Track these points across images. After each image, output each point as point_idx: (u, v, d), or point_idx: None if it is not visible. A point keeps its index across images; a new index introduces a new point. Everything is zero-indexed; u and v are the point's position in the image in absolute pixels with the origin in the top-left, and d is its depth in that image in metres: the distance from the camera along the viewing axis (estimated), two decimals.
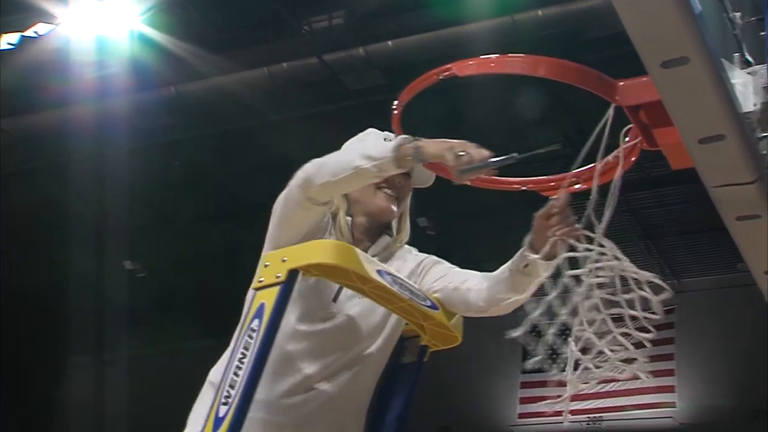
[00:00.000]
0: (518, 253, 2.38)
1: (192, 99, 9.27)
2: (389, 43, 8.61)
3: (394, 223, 2.63)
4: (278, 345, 2.35)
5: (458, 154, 2.21)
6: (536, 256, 2.28)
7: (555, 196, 2.27)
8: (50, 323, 12.20)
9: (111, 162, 9.61)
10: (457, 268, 2.58)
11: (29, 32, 8.81)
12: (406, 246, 2.65)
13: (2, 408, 12.51)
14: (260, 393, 2.28)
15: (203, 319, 12.29)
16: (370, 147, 2.34)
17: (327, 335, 2.43)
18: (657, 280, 2.19)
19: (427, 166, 2.39)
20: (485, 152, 2.23)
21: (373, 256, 2.51)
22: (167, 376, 13.30)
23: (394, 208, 2.57)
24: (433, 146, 2.26)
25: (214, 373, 2.48)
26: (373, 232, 2.57)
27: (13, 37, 8.86)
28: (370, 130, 2.68)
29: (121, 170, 9.65)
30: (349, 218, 2.56)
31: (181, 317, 12.68)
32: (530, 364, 2.18)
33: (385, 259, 2.55)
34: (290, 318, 2.40)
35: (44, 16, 8.56)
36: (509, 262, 2.42)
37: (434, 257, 2.64)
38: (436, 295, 2.46)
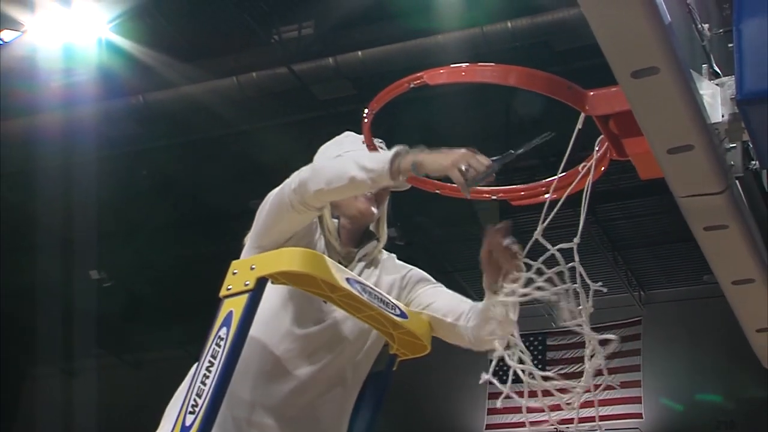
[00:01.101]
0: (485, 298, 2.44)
1: (160, 108, 9.22)
2: (359, 53, 8.62)
3: (373, 227, 2.62)
4: (272, 347, 2.36)
5: (463, 169, 2.19)
6: (498, 298, 2.35)
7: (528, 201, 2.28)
8: (15, 332, 12.07)
9: (78, 170, 9.53)
10: (447, 291, 2.58)
11: None
12: (386, 253, 2.64)
13: None
14: (252, 395, 2.27)
15: (170, 328, 12.20)
16: (365, 157, 2.31)
17: (318, 337, 2.41)
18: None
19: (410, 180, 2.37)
20: (486, 160, 2.22)
21: (361, 259, 2.52)
22: (134, 384, 13.19)
23: (374, 210, 2.56)
24: (433, 162, 2.23)
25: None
26: (354, 234, 2.57)
27: None
28: (348, 133, 2.66)
29: (88, 179, 9.58)
30: (335, 220, 2.55)
31: (147, 326, 12.57)
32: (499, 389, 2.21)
33: (370, 265, 2.56)
34: (285, 320, 2.40)
35: (10, 23, 8.48)
36: (484, 301, 2.48)
37: (418, 271, 2.63)
38: (427, 318, 2.47)
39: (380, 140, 2.60)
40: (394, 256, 2.67)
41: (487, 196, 2.34)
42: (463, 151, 2.24)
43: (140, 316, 12.44)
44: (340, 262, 2.36)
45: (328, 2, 8.60)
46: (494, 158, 2.23)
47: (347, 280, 2.20)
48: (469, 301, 2.53)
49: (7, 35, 8.66)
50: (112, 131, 9.41)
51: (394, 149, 2.26)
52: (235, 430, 2.29)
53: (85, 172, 9.56)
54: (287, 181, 2.38)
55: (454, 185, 2.21)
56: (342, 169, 2.30)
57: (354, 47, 8.65)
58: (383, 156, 2.26)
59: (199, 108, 9.08)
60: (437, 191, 2.32)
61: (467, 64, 2.14)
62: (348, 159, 2.35)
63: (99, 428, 12.16)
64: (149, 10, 8.48)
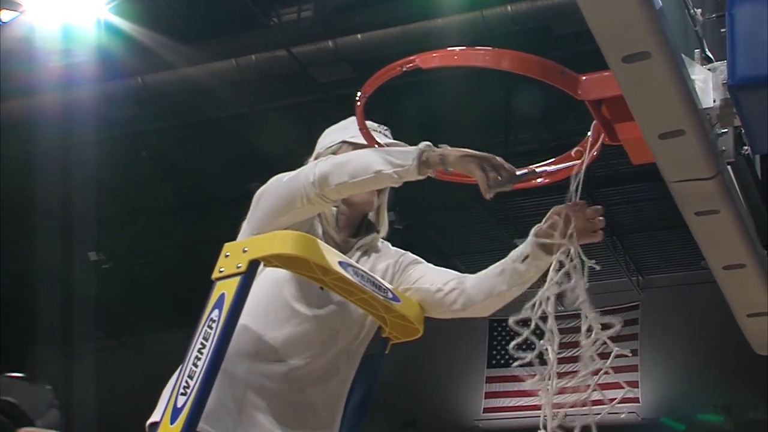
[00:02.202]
0: (519, 246, 2.53)
1: (159, 89, 9.20)
2: (358, 36, 8.60)
3: (373, 216, 2.63)
4: (269, 331, 2.38)
5: (488, 170, 2.23)
6: (551, 240, 2.42)
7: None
8: (15, 316, 12.08)
9: (77, 152, 9.53)
10: (436, 267, 2.61)
11: None
12: (382, 241, 2.66)
13: None
14: (247, 376, 2.32)
15: (169, 310, 12.22)
16: (392, 151, 2.32)
17: (314, 323, 2.42)
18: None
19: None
20: (510, 167, 2.25)
21: (360, 247, 2.53)
22: (134, 367, 13.23)
23: (375, 199, 2.57)
24: (459, 159, 2.26)
25: None
26: (352, 222, 2.57)
27: None
28: (353, 117, 2.65)
29: (87, 160, 9.58)
30: (334, 208, 2.55)
31: (146, 309, 12.60)
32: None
33: (367, 253, 2.57)
34: (283, 292, 2.41)
35: (9, 3, 8.45)
36: (505, 260, 2.56)
37: (412, 255, 2.65)
38: (414, 296, 2.48)
39: (385, 127, 2.61)
40: (388, 243, 2.68)
41: None
42: (489, 155, 2.28)
43: (140, 299, 12.47)
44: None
45: None
46: (519, 172, 2.26)
47: (340, 263, 2.21)
48: (457, 272, 2.56)
49: (5, 15, 8.63)
50: (112, 113, 9.41)
51: (422, 145, 2.28)
52: (230, 411, 2.30)
53: (85, 154, 9.55)
54: (303, 172, 2.37)
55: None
56: (368, 163, 2.30)
57: (354, 30, 8.63)
58: (410, 151, 2.28)
59: (198, 90, 9.07)
60: (433, 175, 2.32)
61: (461, 48, 2.14)
62: (371, 153, 2.35)
63: (99, 411, 12.19)
64: None
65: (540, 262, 2.50)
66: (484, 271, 2.58)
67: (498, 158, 2.27)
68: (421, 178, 2.31)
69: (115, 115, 9.48)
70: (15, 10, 8.52)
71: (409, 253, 2.65)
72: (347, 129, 2.64)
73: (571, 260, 2.33)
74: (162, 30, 8.68)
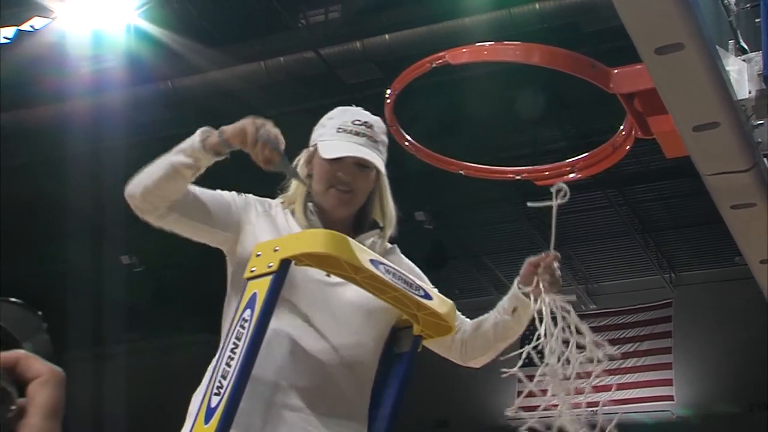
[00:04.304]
0: (505, 298, 2.58)
1: (188, 93, 9.24)
2: (386, 36, 8.60)
3: (379, 217, 2.62)
4: (289, 330, 2.38)
5: (256, 130, 2.36)
6: (528, 289, 2.48)
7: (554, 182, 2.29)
8: (47, 318, 12.18)
9: (107, 156, 9.59)
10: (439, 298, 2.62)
11: (25, 26, 8.78)
12: (389, 244, 2.63)
13: None
14: (276, 376, 2.29)
15: (199, 312, 12.27)
16: (183, 143, 2.45)
17: (332, 312, 2.43)
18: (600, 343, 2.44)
19: (421, 155, 2.37)
20: (274, 130, 2.38)
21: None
22: (164, 369, 13.30)
23: (346, 203, 2.54)
24: (233, 128, 2.41)
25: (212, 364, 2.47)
26: (343, 225, 2.53)
27: (9, 31, 8.83)
28: (337, 110, 2.66)
29: (117, 164, 9.62)
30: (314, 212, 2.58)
31: (177, 311, 12.67)
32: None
33: (376, 251, 2.53)
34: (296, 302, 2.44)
35: (41, 10, 8.53)
36: (493, 312, 2.61)
37: (419, 272, 2.62)
38: None
39: (367, 123, 2.59)
40: (396, 246, 2.66)
41: (511, 176, 2.32)
42: (255, 120, 2.43)
43: (171, 301, 12.53)
44: None
45: None
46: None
47: (371, 261, 2.19)
48: (457, 312, 2.55)
49: (37, 22, 8.72)
50: (141, 117, 9.46)
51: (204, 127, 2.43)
52: (261, 412, 2.29)
53: (115, 158, 9.61)
54: None
55: (476, 165, 2.21)
56: (159, 162, 2.43)
57: (381, 31, 8.63)
58: (193, 136, 2.42)
59: (226, 93, 9.09)
60: (461, 171, 2.31)
61: (490, 43, 2.12)
62: (168, 153, 2.47)
63: (129, 412, 12.28)
64: None
65: (525, 313, 2.56)
66: (478, 321, 2.64)
67: (263, 122, 2.39)
68: (214, 157, 2.43)
69: (145, 119, 9.53)
70: (47, 17, 8.60)
71: (417, 270, 2.62)
72: (323, 127, 2.63)
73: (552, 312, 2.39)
74: (190, 34, 8.72)
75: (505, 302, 2.59)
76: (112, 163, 9.72)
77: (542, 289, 2.45)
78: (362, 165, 2.53)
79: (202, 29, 8.80)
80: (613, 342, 13.39)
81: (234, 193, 2.61)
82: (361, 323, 2.46)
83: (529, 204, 2.52)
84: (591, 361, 2.42)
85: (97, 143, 9.61)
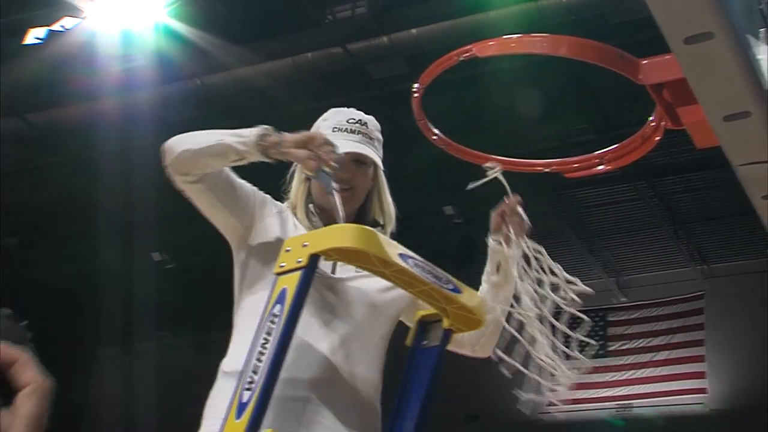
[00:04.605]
0: (487, 262, 2.62)
1: (217, 91, 9.28)
2: (413, 31, 8.58)
3: (379, 216, 2.65)
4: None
5: (314, 152, 2.32)
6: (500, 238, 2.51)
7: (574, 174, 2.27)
8: (78, 316, 12.30)
9: (137, 154, 9.65)
10: None
11: (56, 26, 8.86)
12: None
13: None
14: (287, 372, 2.30)
15: (231, 309, 12.35)
16: (242, 130, 2.42)
17: (337, 307, 2.47)
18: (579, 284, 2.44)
19: (449, 149, 2.37)
20: (329, 145, 2.34)
21: None
22: (195, 366, 13.37)
23: (346, 201, 2.53)
24: (292, 142, 2.36)
25: (227, 363, 2.50)
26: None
27: (40, 32, 8.91)
28: (332, 110, 2.70)
29: (147, 162, 9.68)
30: (312, 209, 2.62)
31: (208, 307, 12.73)
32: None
33: None
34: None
35: (71, 10, 8.60)
36: (482, 285, 2.63)
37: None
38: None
39: (361, 121, 2.63)
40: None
41: (540, 169, 2.31)
42: (312, 134, 2.40)
43: (202, 298, 12.60)
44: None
45: None
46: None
47: (400, 255, 2.19)
48: None
49: (68, 22, 8.79)
50: (170, 115, 9.51)
51: (264, 126, 2.39)
52: (277, 409, 2.30)
53: (145, 156, 9.67)
54: None
55: (504, 158, 2.20)
56: (212, 133, 2.42)
57: (408, 25, 8.62)
58: (253, 129, 2.39)
59: (254, 90, 9.13)
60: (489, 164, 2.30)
61: (518, 35, 2.11)
62: (222, 130, 2.45)
63: (160, 409, 12.36)
64: None
65: (509, 265, 2.57)
66: None
67: (321, 137, 2.35)
68: (261, 157, 2.39)
69: (174, 117, 9.58)
70: (77, 17, 8.67)
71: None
72: (318, 128, 2.66)
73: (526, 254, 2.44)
74: (218, 32, 8.76)
75: (487, 266, 2.62)
76: (142, 161, 9.80)
77: (511, 233, 2.48)
78: (360, 161, 2.58)
79: (230, 27, 8.84)
80: (644, 335, 13.39)
81: (255, 188, 2.63)
82: (366, 317, 2.50)
83: (469, 187, 2.57)
84: (564, 299, 2.42)
85: (127, 142, 9.67)
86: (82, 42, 8.79)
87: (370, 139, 2.62)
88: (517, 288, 2.45)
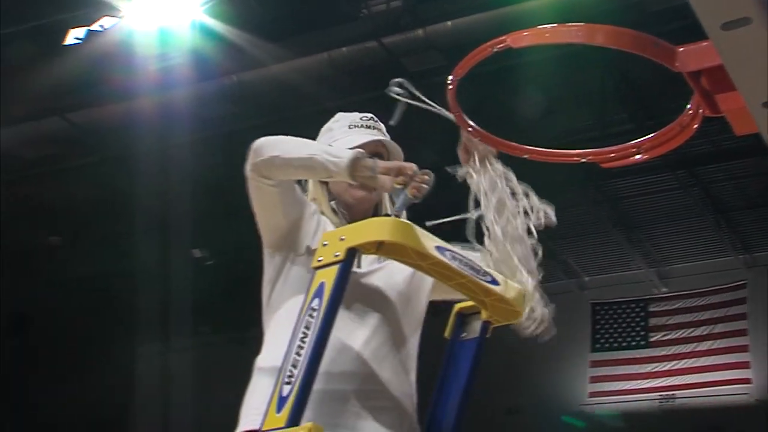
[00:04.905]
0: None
1: (253, 88, 9.32)
2: (448, 23, 8.56)
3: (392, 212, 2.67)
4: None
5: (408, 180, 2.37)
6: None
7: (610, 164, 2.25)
8: (119, 313, 12.44)
9: (175, 151, 9.73)
10: None
11: (95, 26, 8.95)
12: None
13: (73, 396, 12.81)
14: (325, 366, 2.32)
15: None
16: (333, 147, 2.48)
17: (368, 299, 2.48)
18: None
19: (488, 141, 2.37)
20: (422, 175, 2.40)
21: None
22: (234, 362, 13.45)
23: (370, 195, 2.63)
24: (386, 165, 2.42)
25: (263, 359, 2.51)
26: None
27: (80, 32, 9.01)
28: (338, 116, 2.74)
29: (185, 159, 9.77)
30: (333, 206, 2.65)
31: (249, 303, 12.81)
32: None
33: None
34: None
35: (110, 10, 8.68)
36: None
37: None
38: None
39: (369, 116, 2.72)
40: None
41: (576, 159, 2.29)
42: (404, 164, 2.44)
43: (243, 294, 12.67)
44: None
45: None
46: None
47: (437, 248, 2.20)
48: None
49: (106, 22, 8.88)
50: (207, 112, 9.57)
51: (358, 150, 2.43)
52: (317, 403, 2.31)
53: (183, 153, 9.75)
54: None
55: (540, 149, 2.19)
56: (306, 146, 2.44)
57: (443, 17, 8.59)
58: (351, 151, 2.42)
59: (290, 86, 9.15)
60: (525, 156, 2.28)
61: (552, 25, 2.10)
62: (313, 142, 2.51)
63: (201, 404, 12.46)
64: None
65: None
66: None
67: (413, 166, 2.40)
68: (348, 180, 2.41)
69: (211, 114, 9.65)
70: (115, 17, 8.75)
71: None
72: (331, 131, 2.72)
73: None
74: (254, 29, 8.79)
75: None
76: (181, 157, 9.89)
77: (476, 161, 2.50)
78: (380, 154, 2.63)
79: (265, 23, 8.87)
80: (686, 325, 13.25)
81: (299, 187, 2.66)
82: (397, 306, 2.52)
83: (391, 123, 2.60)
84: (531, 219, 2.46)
85: (165, 139, 9.75)
86: (119, 41, 8.88)
87: (384, 133, 2.71)
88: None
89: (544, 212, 2.51)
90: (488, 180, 2.49)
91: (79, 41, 9.04)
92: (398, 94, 2.53)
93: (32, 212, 11.39)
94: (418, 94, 2.53)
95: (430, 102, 2.53)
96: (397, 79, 2.55)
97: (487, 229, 2.47)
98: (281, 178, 2.49)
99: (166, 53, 9.08)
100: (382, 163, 2.42)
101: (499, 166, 2.49)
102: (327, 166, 2.39)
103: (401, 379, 2.50)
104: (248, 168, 2.49)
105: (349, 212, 2.63)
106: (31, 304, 12.93)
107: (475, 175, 2.50)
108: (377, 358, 2.45)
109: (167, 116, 9.37)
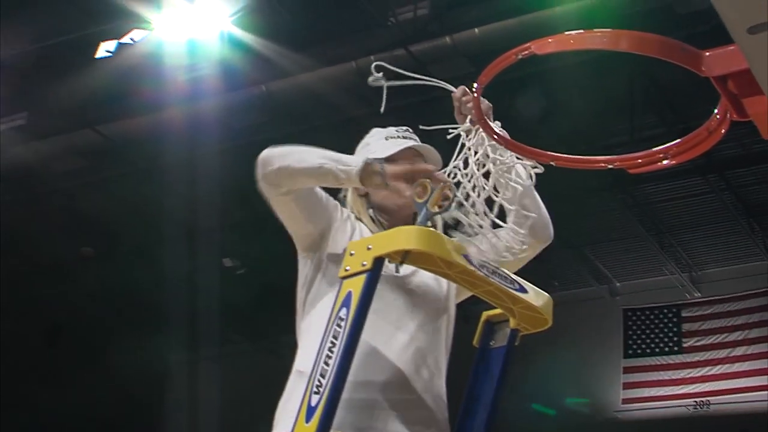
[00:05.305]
0: None
1: (282, 97, 9.36)
2: (475, 30, 8.55)
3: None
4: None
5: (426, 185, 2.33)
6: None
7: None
8: (152, 321, 12.52)
9: (205, 161, 9.79)
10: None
11: (126, 39, 9.03)
12: None
13: (104, 404, 12.91)
14: (354, 375, 2.32)
15: None
16: (342, 155, 2.48)
17: (403, 305, 2.50)
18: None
19: (512, 148, 2.35)
20: (441, 177, 2.36)
21: None
22: (267, 370, 13.49)
23: (410, 201, 2.56)
24: (393, 174, 2.41)
25: (300, 362, 2.52)
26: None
27: (111, 45, 9.09)
28: (373, 131, 2.76)
29: (215, 168, 9.82)
30: (371, 213, 2.67)
31: (280, 312, 12.84)
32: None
33: None
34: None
35: (139, 22, 8.76)
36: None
37: None
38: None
39: (405, 128, 2.68)
40: None
41: (603, 165, 2.28)
42: (422, 167, 2.46)
43: (274, 302, 12.71)
44: None
45: None
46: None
47: (464, 256, 2.19)
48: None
49: (136, 34, 8.96)
50: (237, 122, 9.62)
51: (368, 157, 2.44)
52: (346, 412, 2.31)
53: (212, 163, 9.80)
54: None
55: (567, 156, 2.18)
56: (314, 155, 2.45)
57: (470, 24, 8.59)
58: (358, 157, 2.47)
59: (319, 95, 9.19)
60: (552, 163, 2.27)
61: (577, 31, 2.09)
62: (323, 150, 2.49)
63: (234, 411, 12.49)
64: (269, 1, 8.62)
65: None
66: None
67: (429, 168, 2.41)
68: (358, 185, 2.44)
69: (241, 124, 9.69)
70: (145, 29, 8.83)
71: None
72: (368, 146, 2.75)
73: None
74: (282, 39, 8.83)
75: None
76: (210, 167, 9.94)
77: (469, 120, 2.50)
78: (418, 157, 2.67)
79: (293, 33, 8.91)
80: (720, 331, 13.10)
81: (325, 193, 2.67)
82: (430, 310, 2.54)
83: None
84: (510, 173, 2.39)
85: (194, 149, 9.81)
86: (149, 53, 8.96)
87: (420, 142, 2.74)
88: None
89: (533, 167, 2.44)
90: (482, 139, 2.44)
91: (110, 54, 9.12)
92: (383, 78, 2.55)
93: (66, 224, 11.51)
94: (406, 73, 2.55)
95: (422, 77, 2.56)
96: (375, 64, 2.57)
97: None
98: (292, 188, 2.52)
99: (196, 64, 9.15)
100: (390, 168, 2.42)
101: (495, 125, 2.44)
102: (337, 174, 2.42)
103: (436, 383, 2.51)
104: (258, 180, 2.54)
105: (391, 219, 2.66)
106: (66, 314, 13.05)
107: (469, 136, 2.47)
108: (414, 364, 2.47)
109: (197, 126, 9.43)
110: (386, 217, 2.67)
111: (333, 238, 2.59)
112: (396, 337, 2.47)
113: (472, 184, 2.30)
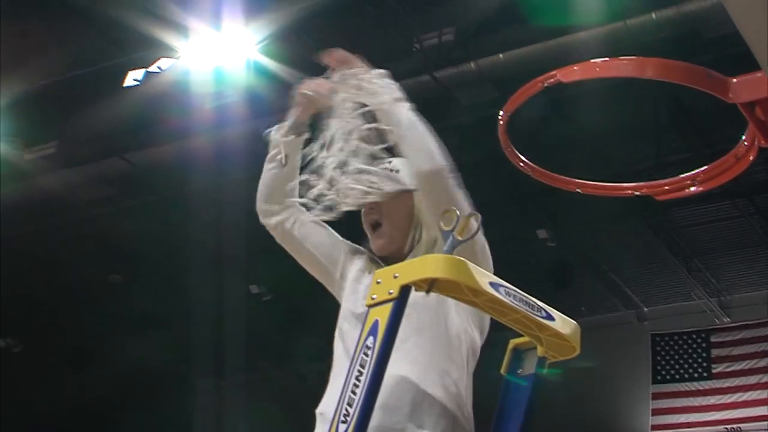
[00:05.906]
0: None
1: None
2: (500, 56, 8.57)
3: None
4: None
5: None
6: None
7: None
8: (179, 348, 12.55)
9: (231, 188, 9.83)
10: None
11: (153, 67, 9.11)
12: None
13: (133, 430, 12.93)
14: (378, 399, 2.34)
15: (329, 338, 12.42)
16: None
17: (411, 321, 2.50)
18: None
19: (540, 176, 2.35)
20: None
21: None
22: (297, 396, 13.47)
23: (380, 240, 2.71)
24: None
25: (323, 405, 2.59)
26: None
27: (138, 74, 9.18)
28: None
29: (241, 196, 9.85)
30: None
31: (307, 338, 12.85)
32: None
33: None
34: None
35: (167, 51, 8.84)
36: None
37: None
38: None
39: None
40: None
41: (630, 192, 2.28)
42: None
43: (301, 328, 12.73)
44: None
45: (467, 7, 8.59)
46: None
47: (491, 284, 2.18)
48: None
49: (164, 63, 9.04)
50: (262, 149, 9.65)
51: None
52: None
53: (239, 190, 9.83)
54: None
55: (593, 183, 2.18)
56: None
57: (495, 50, 8.61)
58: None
59: None
60: (578, 190, 2.28)
61: (602, 59, 2.09)
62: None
63: None
64: (295, 29, 8.67)
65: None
66: None
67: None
68: (294, 137, 2.89)
69: (265, 151, 9.72)
70: (172, 58, 8.91)
71: None
72: None
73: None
74: (308, 66, 8.86)
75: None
76: (236, 194, 9.97)
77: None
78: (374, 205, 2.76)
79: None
80: (750, 356, 12.96)
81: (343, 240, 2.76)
82: (439, 326, 2.58)
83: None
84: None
85: (221, 176, 9.86)
86: (176, 81, 9.04)
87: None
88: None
89: None
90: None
91: (138, 83, 9.21)
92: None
93: (93, 251, 11.59)
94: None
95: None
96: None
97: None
98: (278, 198, 2.86)
99: (222, 92, 9.21)
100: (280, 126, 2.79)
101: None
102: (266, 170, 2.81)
103: (457, 403, 2.54)
104: (262, 220, 2.90)
105: (386, 261, 2.71)
106: (93, 340, 13.11)
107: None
108: (432, 386, 2.51)
109: (223, 154, 9.48)
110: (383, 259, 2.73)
111: (346, 266, 2.84)
112: (412, 360, 2.51)
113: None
